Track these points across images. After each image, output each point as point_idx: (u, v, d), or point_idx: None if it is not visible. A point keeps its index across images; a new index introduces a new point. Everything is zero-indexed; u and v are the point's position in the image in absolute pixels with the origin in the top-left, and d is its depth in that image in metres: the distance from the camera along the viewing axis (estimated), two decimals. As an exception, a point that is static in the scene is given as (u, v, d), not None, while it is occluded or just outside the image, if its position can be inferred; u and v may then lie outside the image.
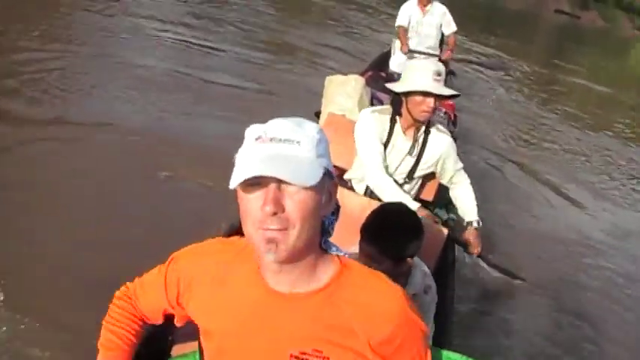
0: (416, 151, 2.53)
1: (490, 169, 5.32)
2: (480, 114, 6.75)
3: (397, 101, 2.47)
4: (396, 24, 5.19)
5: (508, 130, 6.87)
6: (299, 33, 8.77)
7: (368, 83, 3.61)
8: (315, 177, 0.93)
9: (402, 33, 5.08)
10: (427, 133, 2.52)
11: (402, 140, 2.52)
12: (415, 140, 2.51)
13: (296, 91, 5.74)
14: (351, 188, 2.68)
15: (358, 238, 1.72)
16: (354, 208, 2.10)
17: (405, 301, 1.03)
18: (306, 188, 0.92)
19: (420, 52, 5.00)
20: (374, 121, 2.49)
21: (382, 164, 2.48)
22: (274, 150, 0.93)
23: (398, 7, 5.27)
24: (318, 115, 3.59)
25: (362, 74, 4.19)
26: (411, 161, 2.54)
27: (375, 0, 14.21)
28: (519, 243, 4.25)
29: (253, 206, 0.93)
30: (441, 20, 5.19)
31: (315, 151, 0.95)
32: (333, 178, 1.01)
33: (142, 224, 3.16)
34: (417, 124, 2.47)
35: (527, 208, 4.86)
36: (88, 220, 3.07)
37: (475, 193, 2.64)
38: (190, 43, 6.68)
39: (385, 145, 2.51)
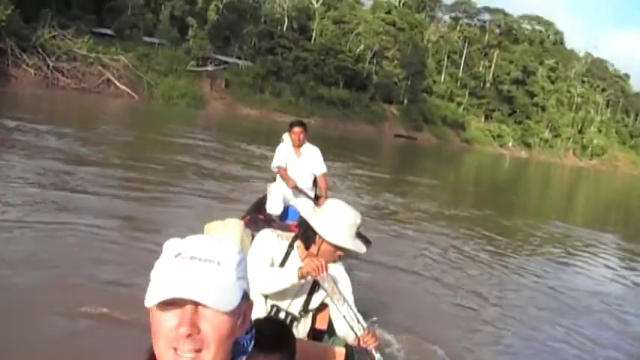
0: (310, 282, 2.55)
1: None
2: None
3: (309, 237, 2.46)
4: (274, 165, 5.30)
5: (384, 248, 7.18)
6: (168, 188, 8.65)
7: (247, 225, 3.68)
8: (233, 302, 0.93)
9: (284, 172, 5.23)
10: None
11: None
12: None
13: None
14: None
15: None
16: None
17: None
18: (223, 312, 0.92)
19: (299, 191, 5.18)
20: (272, 240, 2.52)
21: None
22: (194, 270, 0.92)
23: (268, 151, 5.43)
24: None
25: (241, 219, 4.28)
26: (305, 292, 2.58)
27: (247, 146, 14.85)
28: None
29: (167, 325, 0.91)
30: (314, 161, 5.40)
31: (235, 273, 0.94)
32: (249, 299, 1.01)
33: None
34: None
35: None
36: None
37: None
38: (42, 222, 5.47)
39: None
